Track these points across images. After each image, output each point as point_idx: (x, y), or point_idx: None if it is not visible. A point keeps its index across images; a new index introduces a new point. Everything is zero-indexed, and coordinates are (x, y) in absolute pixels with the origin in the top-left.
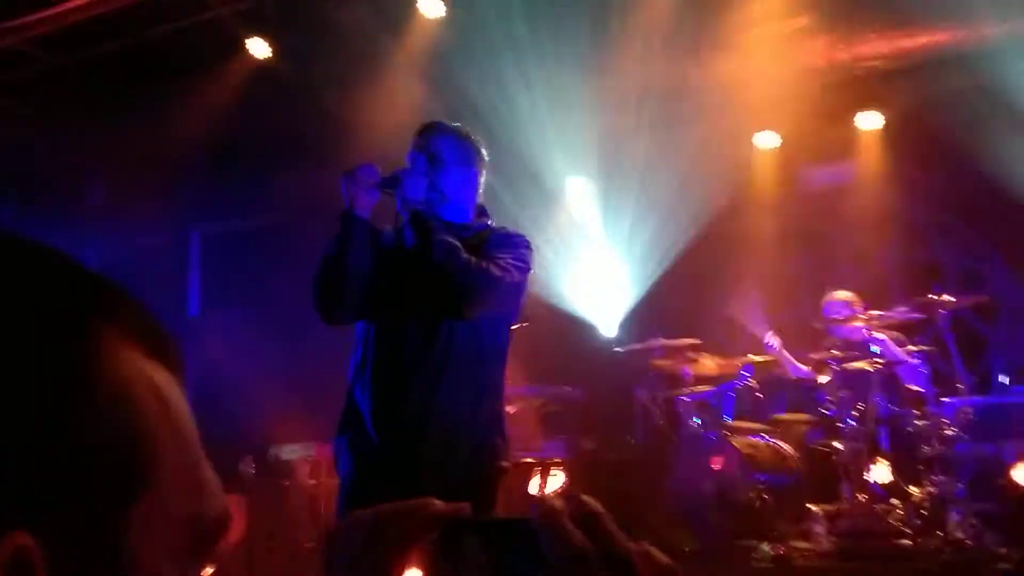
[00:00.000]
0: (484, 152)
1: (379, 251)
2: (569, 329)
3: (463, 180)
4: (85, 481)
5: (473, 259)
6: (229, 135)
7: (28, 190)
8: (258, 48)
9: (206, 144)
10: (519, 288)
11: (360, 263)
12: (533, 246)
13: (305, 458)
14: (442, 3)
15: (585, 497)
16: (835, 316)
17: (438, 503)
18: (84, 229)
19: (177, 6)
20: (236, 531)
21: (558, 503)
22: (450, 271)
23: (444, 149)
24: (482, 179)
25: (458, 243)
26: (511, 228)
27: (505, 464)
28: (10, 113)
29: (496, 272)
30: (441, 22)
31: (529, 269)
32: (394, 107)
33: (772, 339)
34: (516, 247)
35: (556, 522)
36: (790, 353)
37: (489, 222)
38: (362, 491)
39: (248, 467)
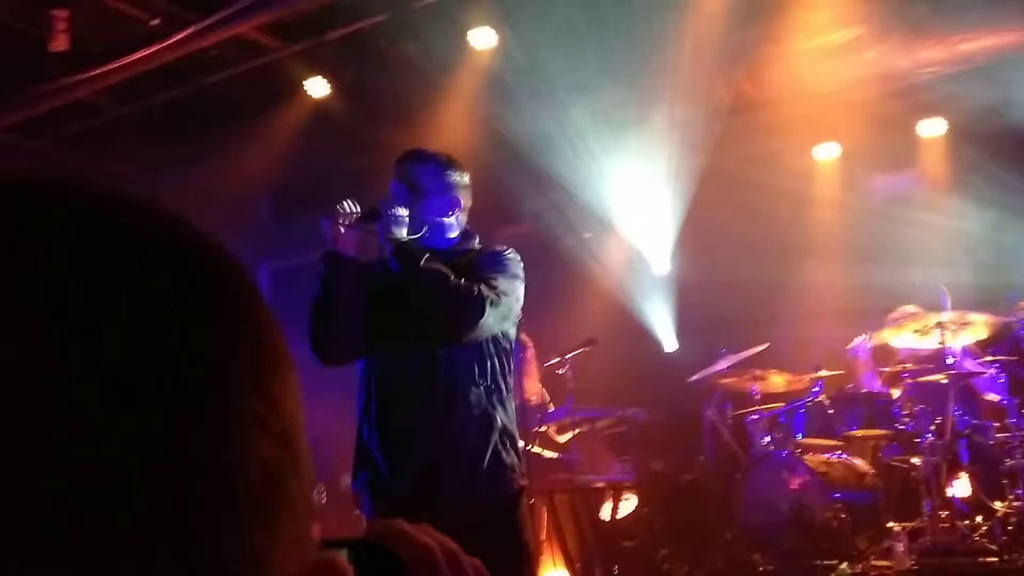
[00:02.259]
0: (465, 176)
1: (368, 286)
2: (633, 349)
3: (445, 207)
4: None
5: (463, 282)
6: (293, 172)
7: None
8: (316, 87)
9: (272, 182)
10: (511, 304)
11: (349, 302)
12: (520, 258)
13: None
14: (494, 32)
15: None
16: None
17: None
18: None
19: (236, 52)
20: None
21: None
22: (441, 298)
23: (423, 177)
24: (465, 203)
25: (446, 268)
26: (498, 246)
27: (524, 482)
28: (74, 164)
29: (487, 292)
30: (493, 52)
31: (521, 283)
32: (448, 138)
33: (863, 341)
34: (504, 264)
35: (398, 527)
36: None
37: (475, 244)
38: None
39: (320, 495)
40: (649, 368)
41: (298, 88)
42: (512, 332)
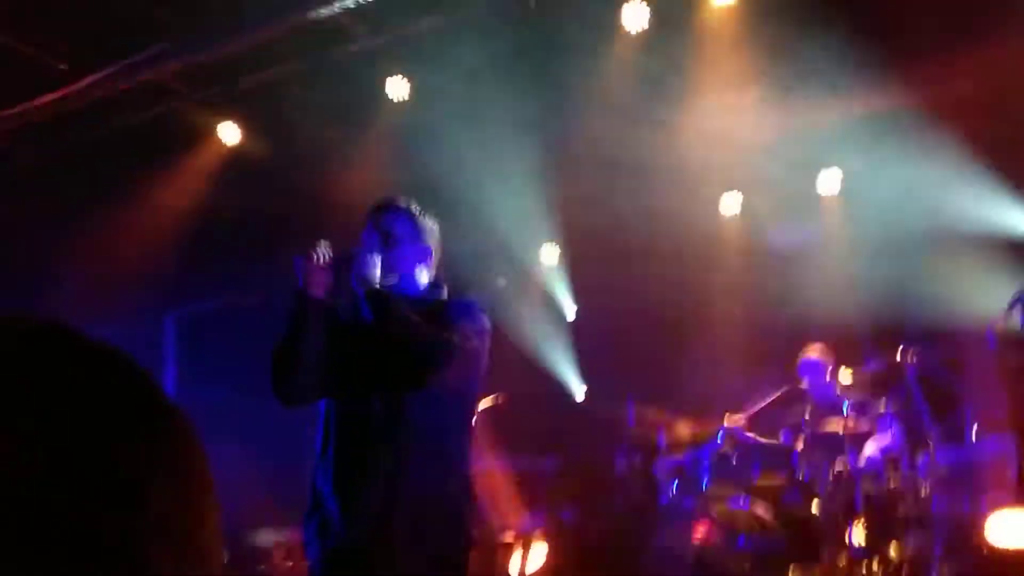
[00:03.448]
0: (436, 227)
1: (335, 328)
2: (543, 397)
3: (416, 256)
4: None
5: (432, 330)
6: (202, 220)
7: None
8: (229, 134)
9: (179, 230)
10: (479, 354)
11: (315, 343)
12: (487, 311)
13: (280, 542)
14: (407, 83)
15: None
16: (810, 376)
17: None
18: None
19: (142, 98)
20: None
21: None
22: (410, 344)
23: (397, 227)
24: (436, 254)
25: (415, 316)
26: (466, 297)
27: (475, 532)
28: None
29: (456, 340)
30: (406, 103)
31: (487, 334)
32: (365, 186)
33: (730, 422)
34: (472, 315)
35: None
36: (762, 419)
37: (444, 293)
38: None
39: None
40: (560, 418)
41: (211, 133)
42: (476, 382)
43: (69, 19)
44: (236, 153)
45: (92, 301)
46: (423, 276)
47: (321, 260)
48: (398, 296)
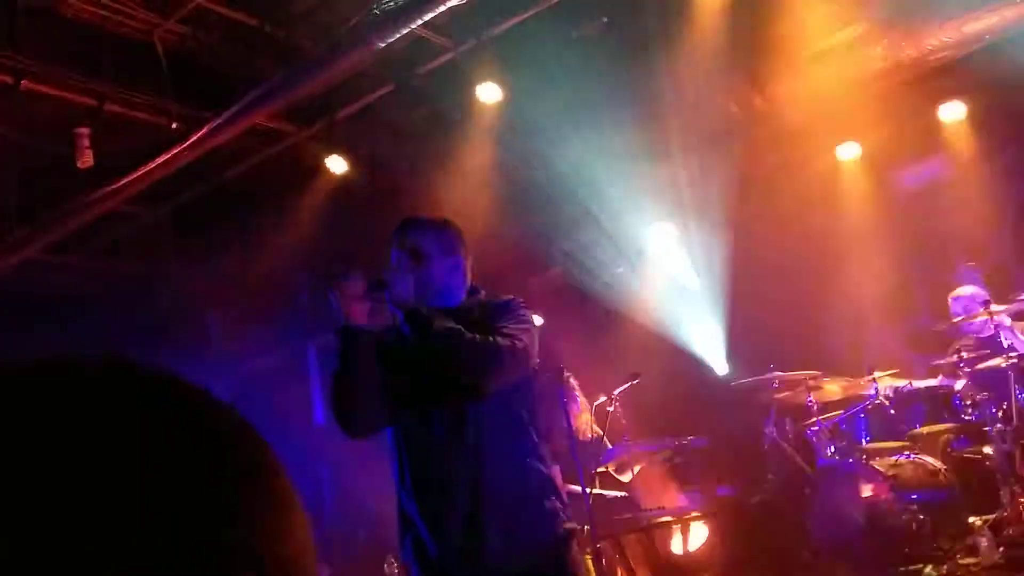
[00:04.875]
0: (461, 234)
1: (384, 354)
2: (683, 376)
3: (449, 268)
4: None
5: (477, 336)
6: (326, 250)
7: (152, 337)
8: (336, 164)
9: (306, 262)
10: (528, 350)
11: (370, 372)
12: (525, 305)
13: None
14: (498, 87)
15: None
16: (964, 313)
17: None
18: (209, 362)
19: (257, 141)
20: None
21: None
22: (459, 354)
23: (424, 243)
24: (468, 262)
25: (458, 326)
26: (502, 296)
27: (571, 526)
28: (117, 272)
29: (503, 341)
30: (500, 104)
31: (531, 328)
32: (471, 194)
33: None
34: (512, 311)
35: None
36: (918, 362)
37: (481, 296)
38: None
39: (392, 568)
40: (702, 394)
41: (319, 168)
42: (530, 380)
43: (176, 81)
44: (345, 182)
45: (237, 338)
46: (459, 286)
47: (355, 291)
48: (438, 309)
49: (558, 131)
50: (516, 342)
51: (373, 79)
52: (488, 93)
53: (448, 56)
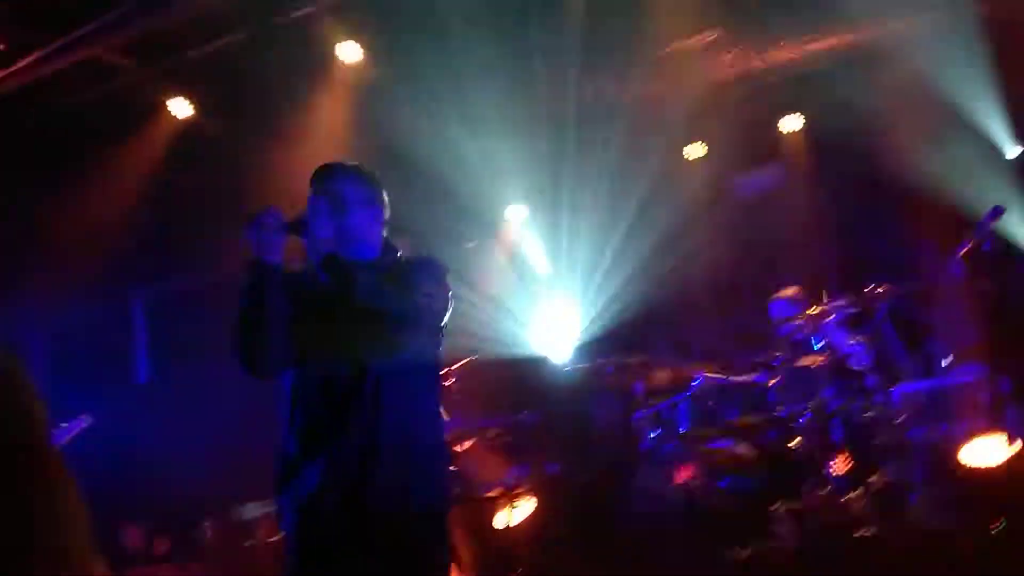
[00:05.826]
0: (383, 189)
1: (296, 296)
2: (520, 358)
3: (369, 219)
4: None
5: (395, 291)
6: (161, 197)
7: None
8: (179, 108)
9: (138, 208)
10: (443, 311)
11: (280, 310)
12: (448, 267)
13: (268, 514)
14: (359, 48)
15: None
16: (781, 316)
17: None
18: (28, 307)
19: (91, 75)
20: None
21: None
22: (376, 307)
23: (347, 191)
24: (386, 215)
25: (377, 279)
26: (424, 254)
27: (455, 489)
28: None
29: (421, 300)
30: (361, 65)
31: (450, 290)
32: (325, 153)
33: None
34: (433, 272)
35: None
36: (739, 357)
37: (399, 255)
38: (310, 546)
39: (203, 533)
40: (539, 375)
41: (161, 109)
42: (441, 342)
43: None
44: (189, 128)
45: (59, 285)
46: (377, 238)
47: (274, 226)
48: (354, 261)
49: (420, 99)
50: (434, 303)
51: (231, 23)
52: (348, 51)
53: (309, 8)
